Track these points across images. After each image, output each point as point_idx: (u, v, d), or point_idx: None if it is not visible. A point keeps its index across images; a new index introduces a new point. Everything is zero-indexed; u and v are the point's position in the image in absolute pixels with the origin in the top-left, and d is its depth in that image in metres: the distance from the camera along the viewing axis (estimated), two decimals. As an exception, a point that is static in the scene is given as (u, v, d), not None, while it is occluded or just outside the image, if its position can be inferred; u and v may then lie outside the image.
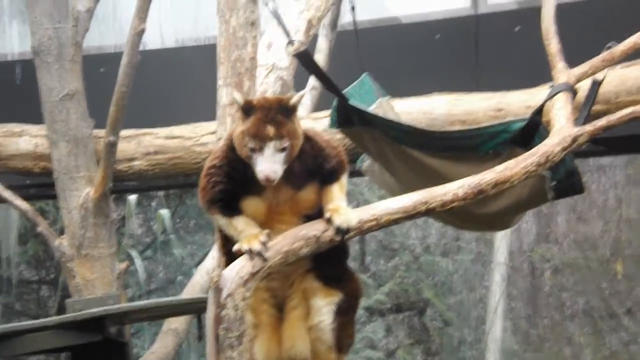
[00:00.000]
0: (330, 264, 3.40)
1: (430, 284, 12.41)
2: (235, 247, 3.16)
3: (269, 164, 3.12)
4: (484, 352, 11.32)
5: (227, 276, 3.08)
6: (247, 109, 3.17)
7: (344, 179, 3.35)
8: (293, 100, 3.18)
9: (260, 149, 3.13)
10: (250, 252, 3.14)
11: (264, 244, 3.15)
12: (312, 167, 3.26)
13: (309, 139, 3.29)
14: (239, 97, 3.20)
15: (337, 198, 3.26)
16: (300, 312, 3.40)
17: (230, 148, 3.27)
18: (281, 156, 3.14)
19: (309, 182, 3.27)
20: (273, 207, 3.26)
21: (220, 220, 3.30)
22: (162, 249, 9.71)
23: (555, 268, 11.60)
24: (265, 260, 3.14)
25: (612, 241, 10.46)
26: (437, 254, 12.61)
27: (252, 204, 3.26)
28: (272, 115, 3.16)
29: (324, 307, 3.38)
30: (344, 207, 3.24)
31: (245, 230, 3.22)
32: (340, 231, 3.19)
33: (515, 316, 12.45)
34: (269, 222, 3.25)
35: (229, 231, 3.27)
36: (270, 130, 3.13)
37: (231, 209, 3.26)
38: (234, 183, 3.27)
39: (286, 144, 3.15)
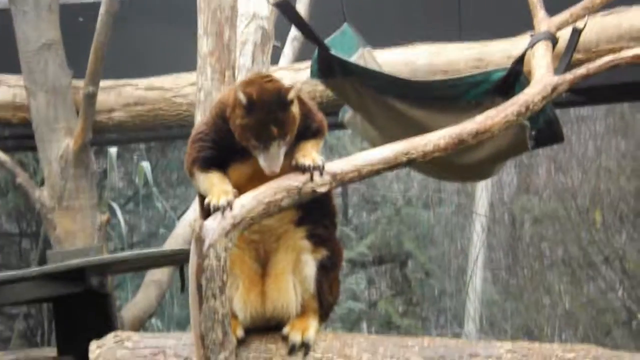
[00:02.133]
0: (318, 224, 3.43)
1: (411, 236, 12.48)
2: (206, 201, 3.15)
3: (274, 161, 3.17)
4: (465, 302, 11.43)
5: (209, 227, 3.08)
6: (250, 106, 3.16)
7: (320, 141, 3.37)
8: (291, 95, 3.18)
9: (265, 148, 3.17)
10: (216, 208, 3.12)
11: (229, 203, 3.13)
12: (299, 129, 3.27)
13: (300, 101, 3.30)
14: (243, 98, 3.17)
15: (307, 149, 3.27)
16: (286, 266, 3.42)
17: (221, 117, 3.27)
18: (283, 149, 3.20)
19: (292, 144, 3.29)
20: (258, 174, 3.26)
21: (198, 178, 3.29)
22: (144, 202, 9.69)
23: (535, 219, 11.67)
24: (224, 218, 3.10)
25: (591, 191, 10.53)
26: (419, 207, 12.66)
27: (237, 170, 3.28)
28: (275, 115, 3.17)
29: (311, 260, 3.43)
30: (311, 153, 3.25)
31: (217, 185, 3.22)
32: (306, 170, 3.18)
33: (496, 266, 12.55)
34: (253, 188, 3.24)
35: (204, 185, 3.26)
36: (274, 130, 3.16)
37: (212, 166, 3.27)
38: (220, 150, 3.28)
39: (288, 138, 3.19)
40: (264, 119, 3.16)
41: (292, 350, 3.37)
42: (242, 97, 3.16)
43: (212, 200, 3.14)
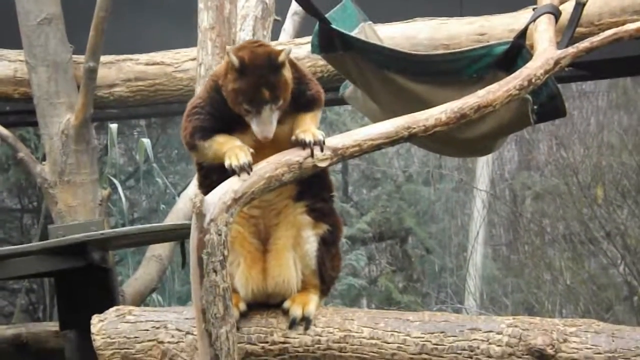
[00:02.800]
0: (317, 198, 3.43)
1: (412, 212, 12.49)
2: (226, 164, 3.15)
3: (266, 126, 3.18)
4: (465, 278, 11.45)
5: (210, 201, 3.08)
6: (242, 69, 3.16)
7: (318, 113, 3.38)
8: (281, 58, 3.19)
9: (257, 112, 3.18)
10: (240, 169, 3.12)
11: (249, 162, 3.14)
12: (294, 96, 3.27)
13: (292, 65, 3.29)
14: (235, 60, 3.17)
15: (307, 124, 3.27)
16: (286, 242, 3.43)
17: (215, 89, 3.28)
18: (276, 113, 3.20)
19: (289, 114, 3.28)
20: (257, 143, 3.26)
21: (203, 146, 3.30)
22: (145, 178, 9.69)
23: (537, 195, 11.67)
24: (249, 174, 3.12)
25: (593, 167, 10.52)
26: (419, 183, 12.67)
27: (239, 139, 3.27)
28: (266, 78, 3.17)
29: (312, 236, 3.44)
30: (311, 128, 3.25)
31: (228, 142, 3.22)
32: (307, 145, 3.18)
33: (496, 243, 12.58)
34: (252, 159, 3.24)
35: (212, 151, 3.28)
36: (266, 93, 3.17)
37: (213, 132, 3.27)
38: (217, 122, 3.29)
39: (280, 102, 3.19)
40: (256, 82, 3.17)
41: (292, 324, 3.39)
42: (234, 60, 3.16)
43: (232, 161, 3.14)
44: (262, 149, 3.25)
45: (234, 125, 3.28)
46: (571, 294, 10.41)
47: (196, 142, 3.31)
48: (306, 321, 3.38)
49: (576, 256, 10.63)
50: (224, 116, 3.28)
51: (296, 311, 3.39)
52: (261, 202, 3.34)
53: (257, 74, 3.17)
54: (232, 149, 3.19)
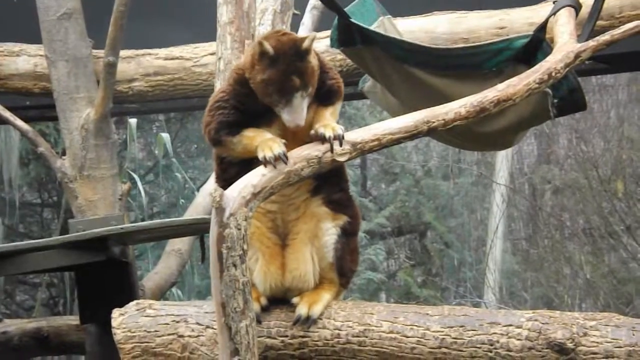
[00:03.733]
0: (334, 189, 3.43)
1: (431, 206, 12.48)
2: (259, 154, 3.15)
3: (297, 114, 3.19)
4: (484, 272, 11.43)
5: (230, 196, 3.08)
6: (272, 58, 3.16)
7: (338, 106, 3.38)
8: (306, 44, 3.19)
9: (288, 101, 3.19)
10: (275, 159, 3.12)
11: (284, 152, 3.14)
12: (317, 86, 3.27)
13: (315, 53, 3.30)
14: (269, 47, 3.17)
15: (326, 118, 3.27)
16: (304, 236, 3.43)
17: (239, 83, 3.28)
18: (306, 101, 3.21)
19: (310, 104, 3.28)
20: (281, 135, 3.28)
21: (230, 142, 3.30)
22: (164, 172, 9.73)
23: (556, 188, 11.64)
24: (286, 163, 3.13)
25: (613, 160, 10.46)
26: (438, 177, 12.66)
27: None
28: (295, 65, 3.18)
29: (332, 228, 3.44)
30: (331, 122, 3.25)
31: (259, 136, 3.23)
32: (326, 140, 3.18)
33: (516, 237, 12.55)
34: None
35: (241, 146, 3.28)
36: (297, 81, 3.18)
37: (239, 127, 3.28)
38: (241, 115, 3.29)
39: (310, 89, 3.21)
40: (286, 70, 3.17)
41: (296, 321, 3.38)
42: (268, 48, 3.16)
43: (266, 153, 3.14)
44: (289, 141, 3.25)
45: (258, 118, 3.28)
46: (591, 288, 10.37)
47: (222, 138, 3.31)
48: (309, 321, 3.37)
49: (596, 250, 10.59)
50: (248, 109, 3.28)
51: (302, 309, 3.39)
52: (279, 197, 3.34)
53: (286, 61, 3.18)
54: (264, 142, 3.18)
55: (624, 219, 10.10)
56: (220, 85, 3.87)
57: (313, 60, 3.23)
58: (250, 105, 3.27)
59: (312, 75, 3.22)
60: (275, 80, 3.18)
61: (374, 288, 11.82)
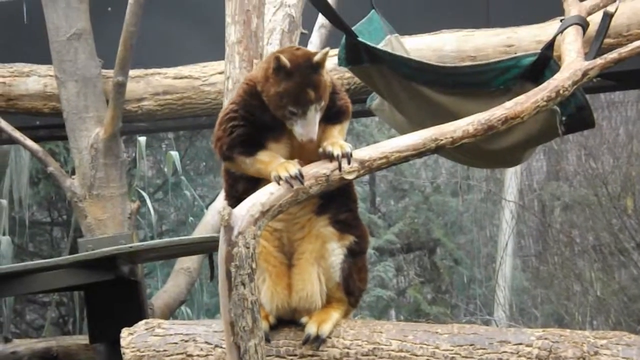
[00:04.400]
0: (341, 209, 3.42)
1: (440, 223, 12.45)
2: (273, 175, 3.15)
3: (311, 127, 3.19)
4: (494, 289, 11.38)
5: (238, 214, 3.08)
6: (288, 71, 3.17)
7: (346, 125, 3.38)
8: (318, 57, 3.20)
9: (303, 113, 3.19)
10: (291, 178, 3.13)
11: (300, 171, 3.15)
12: (327, 106, 3.28)
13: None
14: (286, 61, 3.18)
15: (334, 136, 3.28)
16: (310, 257, 3.42)
17: (249, 94, 3.29)
18: (319, 115, 3.22)
19: (319, 123, 3.29)
20: (288, 153, 3.29)
21: (243, 162, 3.30)
22: (173, 190, 9.74)
23: (566, 205, 11.59)
24: (302, 183, 3.13)
25: (623, 177, 10.42)
26: (447, 194, 12.64)
27: (272, 149, 3.30)
28: (310, 78, 3.19)
29: (338, 248, 3.43)
30: (339, 140, 3.25)
31: (274, 161, 3.23)
32: (334, 158, 3.18)
33: (525, 254, 12.50)
34: None
35: (254, 168, 3.28)
36: (312, 94, 3.19)
37: (253, 147, 3.28)
38: (251, 128, 3.29)
39: (323, 103, 3.22)
40: (301, 82, 3.18)
41: (305, 341, 3.37)
42: (285, 61, 3.17)
43: (281, 173, 3.14)
44: (299, 157, 3.26)
45: (266, 132, 3.28)
46: (602, 305, 10.32)
47: (234, 156, 3.31)
48: (318, 341, 3.36)
49: (606, 267, 10.54)
50: (257, 121, 3.28)
51: (311, 328, 3.38)
52: (285, 215, 3.32)
53: (302, 75, 3.18)
54: (280, 165, 3.18)
55: (634, 236, 10.06)
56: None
57: (326, 75, 3.25)
58: (259, 117, 3.27)
59: (325, 89, 3.23)
60: (291, 93, 3.18)
61: (384, 305, 11.79)
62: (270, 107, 3.24)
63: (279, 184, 3.13)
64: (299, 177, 3.13)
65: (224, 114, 3.36)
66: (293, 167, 3.16)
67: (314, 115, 3.20)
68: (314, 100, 3.18)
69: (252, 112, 3.29)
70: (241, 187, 3.35)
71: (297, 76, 3.18)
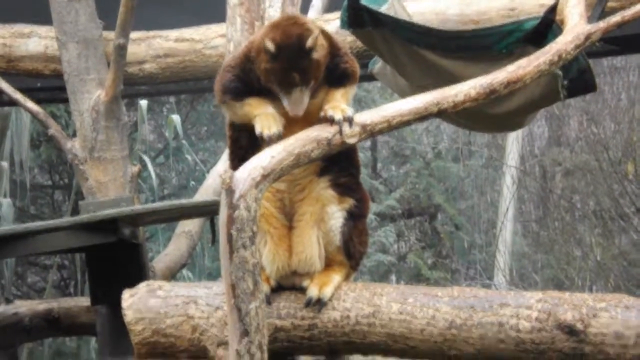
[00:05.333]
0: (342, 173, 3.43)
1: (441, 189, 12.48)
2: (257, 131, 3.20)
3: (296, 105, 3.23)
4: (495, 254, 11.43)
5: (239, 177, 3.09)
6: (274, 54, 3.19)
7: (350, 89, 3.37)
8: (309, 43, 3.20)
9: (287, 92, 3.23)
10: (270, 139, 3.17)
11: (279, 131, 3.19)
12: (328, 69, 3.29)
13: (328, 39, 3.30)
14: (270, 45, 3.19)
15: (337, 100, 3.27)
16: (309, 219, 3.43)
17: (247, 58, 3.29)
18: (307, 92, 3.24)
19: (321, 87, 3.29)
20: (287, 114, 3.29)
21: (234, 105, 3.35)
22: (175, 154, 9.74)
23: (567, 171, 11.61)
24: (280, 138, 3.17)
25: (624, 142, 10.43)
26: (449, 160, 12.65)
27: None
28: (296, 62, 3.20)
29: (337, 212, 3.44)
30: (340, 104, 3.25)
31: (259, 107, 3.27)
32: (335, 122, 3.19)
33: (526, 219, 12.53)
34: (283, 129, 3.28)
35: (242, 111, 3.32)
36: (296, 77, 3.21)
37: (244, 94, 3.31)
38: (247, 85, 3.31)
39: (311, 83, 3.23)
40: (286, 66, 3.20)
41: (307, 304, 3.39)
42: (269, 45, 3.18)
43: (263, 130, 3.19)
44: (292, 120, 3.28)
45: (265, 92, 3.30)
46: (601, 270, 10.36)
47: (227, 100, 3.36)
48: (320, 303, 3.38)
49: (606, 232, 10.57)
50: (254, 82, 3.31)
51: (312, 291, 3.40)
52: (287, 176, 3.33)
53: (287, 58, 3.20)
54: (264, 115, 3.25)
55: (634, 201, 10.08)
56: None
57: (317, 55, 3.24)
58: (256, 80, 3.29)
59: (315, 70, 3.24)
60: (276, 73, 3.22)
61: (384, 270, 11.84)
62: (260, 78, 3.26)
63: (262, 138, 3.18)
64: (275, 139, 3.17)
65: (226, 65, 3.42)
66: (275, 125, 3.21)
67: (300, 96, 3.23)
68: (298, 83, 3.21)
69: (249, 74, 3.31)
70: (243, 142, 3.39)
71: (283, 59, 3.20)
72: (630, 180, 10.06)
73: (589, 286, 10.50)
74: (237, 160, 3.34)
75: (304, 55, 3.20)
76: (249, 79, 3.31)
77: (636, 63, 11.10)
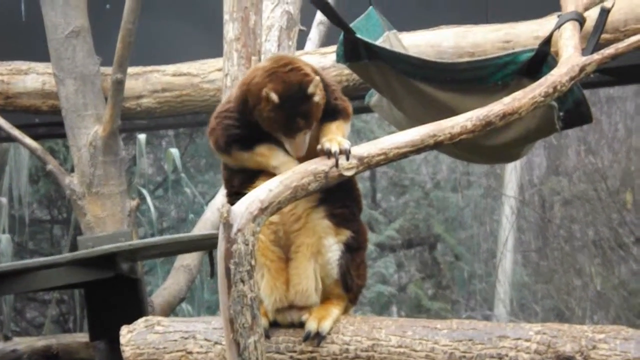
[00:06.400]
0: (339, 204, 3.43)
1: (440, 219, 12.46)
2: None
3: (300, 148, 3.27)
4: (495, 284, 11.40)
5: (237, 211, 3.08)
6: (277, 104, 3.21)
7: (344, 123, 3.38)
8: (311, 89, 3.23)
9: (292, 137, 3.26)
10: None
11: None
12: (323, 110, 3.31)
13: (320, 76, 3.32)
14: (275, 97, 3.21)
15: (332, 132, 3.29)
16: (306, 251, 3.42)
17: (243, 101, 3.30)
18: (309, 135, 3.27)
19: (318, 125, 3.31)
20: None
21: (241, 155, 3.35)
22: (173, 187, 9.75)
23: (565, 200, 11.60)
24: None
25: (622, 172, 10.44)
26: (448, 190, 12.64)
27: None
28: (300, 109, 3.23)
29: (334, 244, 3.43)
30: (337, 137, 3.27)
31: (274, 156, 3.30)
32: (332, 155, 3.19)
33: (526, 249, 12.51)
34: None
35: (253, 162, 3.34)
36: (301, 123, 3.24)
37: (250, 142, 3.32)
38: (247, 129, 3.33)
39: (314, 124, 3.27)
40: (291, 113, 3.22)
41: (306, 338, 3.37)
42: (272, 96, 3.20)
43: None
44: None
45: (263, 135, 3.31)
46: (602, 300, 10.33)
47: (232, 151, 3.36)
48: (318, 337, 3.36)
49: (606, 262, 10.55)
50: (253, 125, 3.31)
51: (311, 325, 3.38)
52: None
53: (291, 106, 3.22)
54: (285, 164, 3.27)
55: (633, 231, 10.07)
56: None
57: (317, 99, 3.27)
58: (254, 123, 3.29)
59: (316, 113, 3.28)
60: (280, 121, 3.24)
61: (385, 301, 11.79)
62: (261, 124, 3.28)
63: None
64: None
65: (221, 110, 3.40)
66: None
67: (303, 138, 3.26)
68: (303, 127, 3.24)
69: (247, 118, 3.32)
70: (238, 180, 3.38)
71: (287, 107, 3.22)
72: (628, 210, 10.06)
73: (589, 316, 10.46)
74: (233, 194, 3.36)
75: (306, 102, 3.23)
76: (249, 123, 3.31)
77: (632, 93, 11.14)
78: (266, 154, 3.31)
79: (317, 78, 3.25)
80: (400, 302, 12.27)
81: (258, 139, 3.32)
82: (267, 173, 3.31)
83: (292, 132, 3.24)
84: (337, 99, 3.38)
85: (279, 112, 3.22)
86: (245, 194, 3.17)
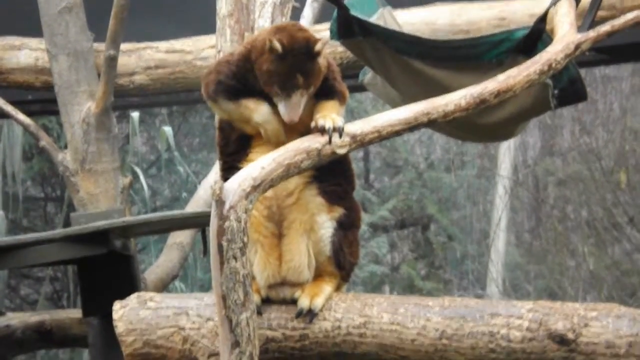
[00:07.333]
0: (333, 181, 3.42)
1: (434, 199, 12.49)
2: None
3: (293, 110, 3.23)
4: (487, 265, 11.44)
5: (229, 188, 3.08)
6: (281, 54, 3.18)
7: (339, 105, 3.37)
8: (318, 47, 3.21)
9: (287, 95, 3.22)
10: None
11: None
12: (321, 86, 3.30)
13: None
14: (278, 45, 3.19)
15: (327, 109, 3.28)
16: (299, 227, 3.41)
17: (245, 58, 3.29)
18: (305, 98, 3.24)
19: (311, 99, 3.30)
20: (280, 120, 3.30)
21: (227, 105, 3.34)
22: (167, 166, 9.75)
23: (559, 180, 11.63)
24: None
25: (616, 152, 10.46)
26: (441, 170, 12.67)
27: None
28: (303, 64, 3.20)
29: (327, 221, 3.42)
30: (331, 113, 3.26)
31: (259, 110, 3.28)
32: (325, 131, 3.18)
33: (519, 229, 12.55)
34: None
35: (238, 113, 3.32)
36: (300, 80, 3.21)
37: (239, 95, 3.31)
38: (242, 86, 3.31)
39: (311, 89, 3.23)
40: (292, 67, 3.19)
41: (298, 315, 3.38)
42: (276, 44, 3.17)
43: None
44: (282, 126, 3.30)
45: (257, 95, 3.30)
46: (594, 279, 10.38)
47: (219, 99, 3.34)
48: (310, 314, 3.37)
49: (599, 242, 10.59)
50: (248, 84, 3.30)
51: (304, 302, 3.38)
52: None
53: (295, 59, 3.20)
54: (269, 122, 3.26)
55: (627, 211, 10.10)
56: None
57: (322, 62, 3.25)
58: (252, 82, 3.28)
59: (317, 76, 3.25)
60: (280, 74, 3.20)
61: (377, 281, 11.84)
62: (259, 79, 3.25)
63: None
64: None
65: (219, 62, 3.41)
66: (282, 137, 3.24)
67: (299, 100, 3.22)
68: (301, 86, 3.21)
69: (245, 76, 3.30)
70: (234, 146, 3.39)
71: (289, 60, 3.19)
72: (623, 190, 10.08)
73: (582, 296, 10.51)
74: (227, 169, 3.35)
75: (311, 60, 3.21)
76: (246, 80, 3.30)
77: (628, 72, 11.14)
78: (251, 107, 3.29)
79: (326, 38, 3.25)
80: (393, 282, 12.32)
81: (249, 94, 3.31)
82: (261, 140, 3.31)
83: (289, 89, 3.20)
84: (336, 80, 3.37)
85: (281, 64, 3.19)
86: (239, 168, 3.16)
